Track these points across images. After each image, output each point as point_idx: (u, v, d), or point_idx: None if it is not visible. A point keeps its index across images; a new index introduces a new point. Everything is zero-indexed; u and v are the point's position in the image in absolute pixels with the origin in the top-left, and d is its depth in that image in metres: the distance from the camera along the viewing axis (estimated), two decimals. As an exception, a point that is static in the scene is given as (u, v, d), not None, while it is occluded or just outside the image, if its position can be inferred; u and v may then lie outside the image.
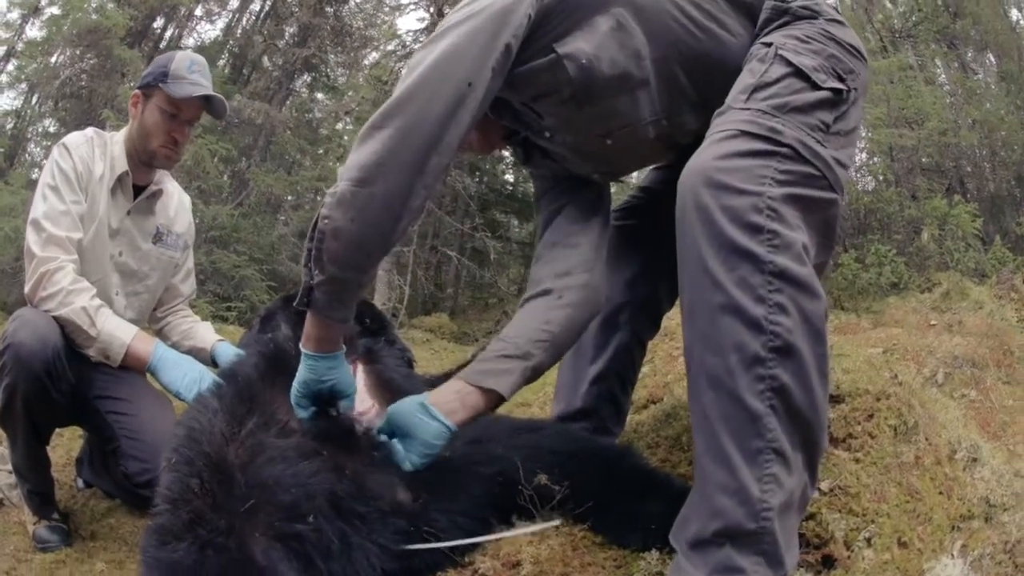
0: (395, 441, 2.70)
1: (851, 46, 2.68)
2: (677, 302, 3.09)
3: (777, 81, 2.50)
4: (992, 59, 23.68)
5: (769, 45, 2.63)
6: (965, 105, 19.69)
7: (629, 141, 2.97)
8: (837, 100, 2.53)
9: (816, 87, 2.49)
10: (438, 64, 2.49)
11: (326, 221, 2.44)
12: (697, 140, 2.55)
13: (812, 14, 2.73)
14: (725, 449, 2.19)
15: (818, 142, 2.40)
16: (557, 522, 2.66)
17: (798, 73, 2.51)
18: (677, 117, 2.94)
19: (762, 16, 2.80)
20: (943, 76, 22.46)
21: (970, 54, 23.46)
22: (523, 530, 2.64)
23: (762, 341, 2.19)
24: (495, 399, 2.79)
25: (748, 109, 2.44)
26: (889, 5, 22.86)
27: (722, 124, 2.45)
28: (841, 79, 2.56)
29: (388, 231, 2.52)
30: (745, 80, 2.57)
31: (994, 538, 2.64)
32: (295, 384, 2.72)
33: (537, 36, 2.63)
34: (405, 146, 2.44)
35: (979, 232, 14.12)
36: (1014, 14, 23.48)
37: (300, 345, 2.68)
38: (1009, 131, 19.03)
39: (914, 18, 21.10)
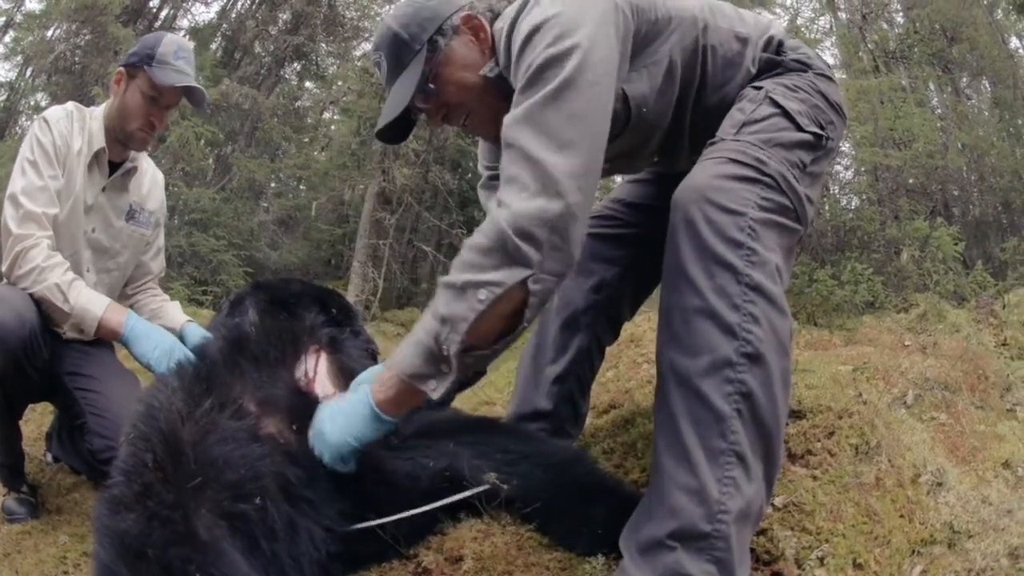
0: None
1: (834, 102, 2.89)
2: (643, 312, 3.17)
3: (765, 119, 2.68)
4: (987, 85, 23.81)
5: (759, 89, 2.82)
6: (956, 129, 19.76)
7: (621, 165, 3.21)
8: (816, 144, 2.71)
9: (800, 129, 2.68)
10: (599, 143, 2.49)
11: (527, 316, 2.46)
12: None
13: (803, 67, 2.93)
14: (688, 447, 2.26)
15: (795, 178, 2.56)
16: (487, 487, 2.68)
17: (784, 114, 2.69)
18: (670, 158, 3.20)
19: (756, 67, 2.96)
20: (935, 99, 22.55)
21: (964, 79, 23.59)
22: (460, 495, 2.67)
23: (735, 346, 2.29)
24: None
25: (739, 140, 2.59)
26: (885, 26, 22.91)
27: (714, 152, 2.60)
28: (821, 127, 2.75)
29: None
30: (735, 116, 2.74)
31: (957, 565, 2.60)
32: (348, 438, 2.56)
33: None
34: None
35: (961, 255, 14.15)
36: (1013, 42, 23.61)
37: (380, 410, 2.53)
38: (999, 157, 19.15)
39: (909, 40, 21.13)
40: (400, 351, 2.52)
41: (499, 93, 2.80)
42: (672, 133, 3.01)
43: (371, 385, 2.57)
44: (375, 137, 3.21)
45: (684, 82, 2.88)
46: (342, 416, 2.58)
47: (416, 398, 2.55)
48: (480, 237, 2.38)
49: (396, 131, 2.99)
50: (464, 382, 2.81)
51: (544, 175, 2.32)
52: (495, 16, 2.89)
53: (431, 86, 2.82)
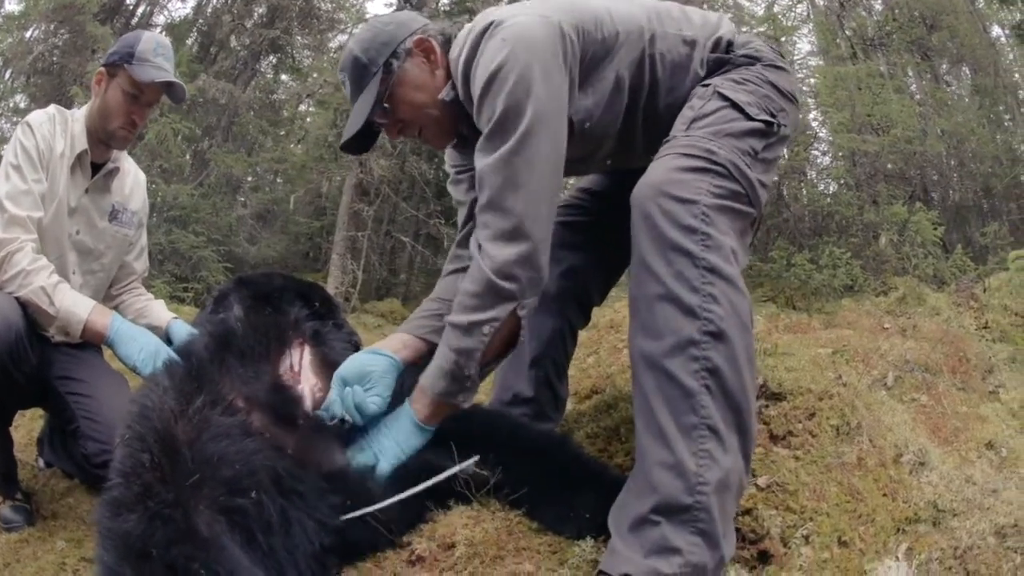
0: (351, 389, 2.92)
1: (785, 90, 3.00)
2: (618, 298, 3.25)
3: (714, 112, 2.81)
4: (967, 72, 23.84)
5: (707, 86, 2.94)
6: (935, 116, 19.79)
7: (577, 170, 3.38)
8: (767, 131, 2.83)
9: (749, 118, 2.80)
10: (553, 180, 2.78)
11: (522, 338, 2.92)
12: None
13: (751, 61, 3.03)
14: (662, 425, 2.36)
15: (747, 165, 2.70)
16: (475, 458, 2.80)
17: (733, 105, 2.82)
18: (623, 159, 3.30)
19: (705, 69, 3.07)
20: (914, 86, 22.57)
21: (944, 66, 23.61)
22: (446, 474, 2.76)
23: (697, 326, 2.42)
24: (434, 348, 3.02)
25: (689, 136, 2.74)
26: (864, 13, 22.93)
27: (667, 149, 2.74)
28: (772, 115, 2.86)
29: None
30: (686, 114, 2.87)
31: (943, 543, 2.63)
32: (407, 456, 2.88)
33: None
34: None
35: (940, 240, 14.18)
36: (995, 30, 23.66)
37: (424, 424, 2.89)
38: (979, 143, 19.20)
39: (888, 27, 21.15)
40: (428, 375, 2.87)
41: (452, 115, 3.08)
42: (624, 138, 3.13)
43: (410, 407, 2.90)
44: (340, 149, 3.42)
45: (632, 92, 3.01)
46: (396, 435, 2.90)
47: (449, 409, 2.89)
48: (472, 284, 2.74)
49: (359, 144, 3.25)
50: None
51: (514, 223, 2.68)
52: (447, 39, 3.12)
53: (386, 105, 3.04)
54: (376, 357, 3.02)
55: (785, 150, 2.98)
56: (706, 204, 2.51)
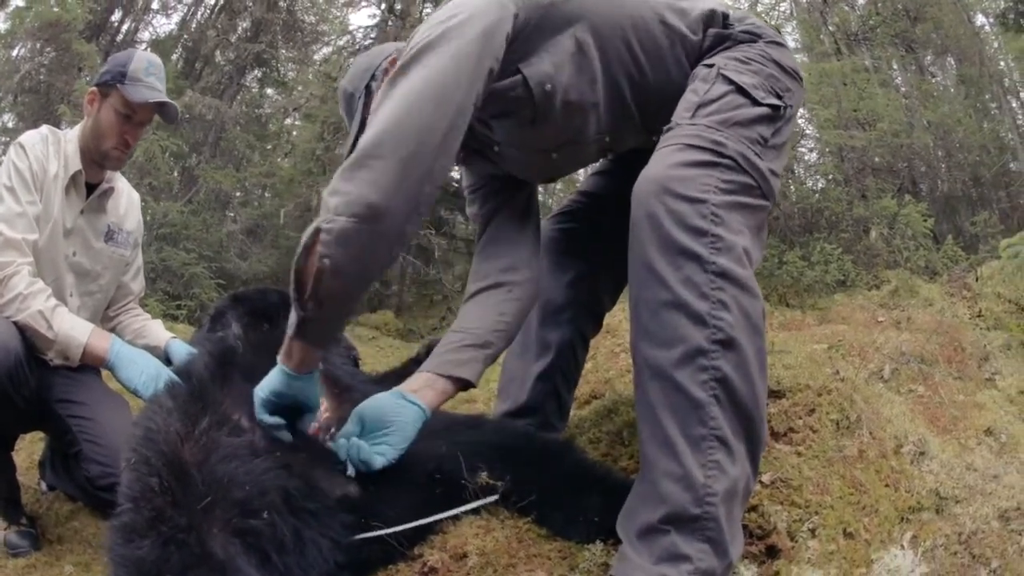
0: (357, 441, 2.70)
1: (789, 67, 2.90)
2: (618, 301, 3.23)
3: (720, 98, 2.69)
4: (952, 62, 23.87)
5: (711, 66, 2.82)
6: (921, 107, 19.80)
7: (572, 154, 3.18)
8: (775, 116, 2.73)
9: (756, 103, 2.69)
10: (431, 91, 2.49)
11: (325, 261, 2.38)
12: (634, 150, 2.98)
13: (752, 37, 2.93)
14: (670, 437, 2.31)
15: (756, 155, 2.59)
16: (495, 498, 2.74)
17: (739, 90, 2.70)
18: (620, 136, 3.17)
19: (705, 43, 2.96)
20: (899, 79, 22.59)
21: (929, 58, 23.63)
22: (465, 507, 2.72)
23: (706, 334, 2.32)
24: (463, 385, 2.99)
25: (695, 125, 2.61)
26: (847, 8, 22.95)
27: (671, 139, 2.61)
28: (779, 96, 2.76)
29: (387, 264, 2.63)
30: (689, 99, 2.75)
31: (947, 529, 2.65)
32: (266, 393, 2.68)
33: (505, 56, 2.71)
34: (408, 178, 2.42)
35: (931, 231, 14.18)
36: (979, 19, 23.70)
37: (281, 364, 2.65)
38: (967, 133, 19.19)
39: (872, 21, 21.16)
40: None
41: None
42: (615, 111, 3.02)
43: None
44: None
45: (605, 57, 2.88)
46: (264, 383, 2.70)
47: (298, 348, 2.62)
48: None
49: None
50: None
51: (364, 144, 2.45)
52: None
53: None
54: (404, 405, 2.81)
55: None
56: (715, 202, 2.42)
